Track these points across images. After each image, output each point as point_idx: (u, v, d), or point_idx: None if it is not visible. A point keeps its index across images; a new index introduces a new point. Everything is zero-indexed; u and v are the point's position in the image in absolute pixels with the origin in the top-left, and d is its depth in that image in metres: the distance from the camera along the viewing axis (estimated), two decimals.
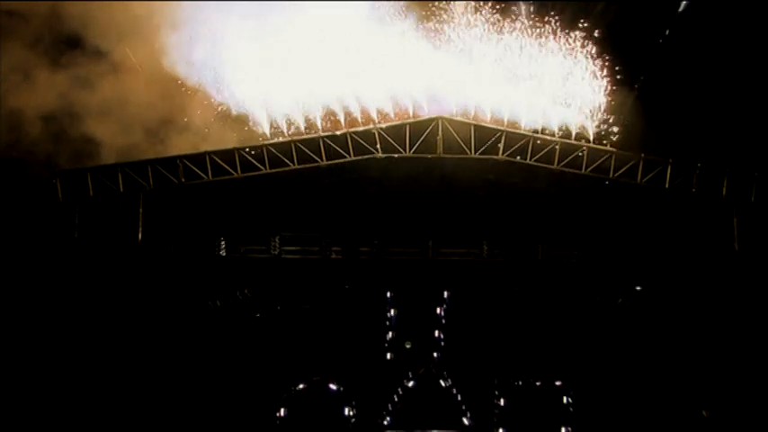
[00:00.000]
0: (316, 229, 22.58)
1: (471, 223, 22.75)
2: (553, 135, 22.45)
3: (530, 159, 22.32)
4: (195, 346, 21.44)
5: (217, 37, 21.92)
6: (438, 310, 22.65)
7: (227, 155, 21.90)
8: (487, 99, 22.47)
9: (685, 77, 22.70)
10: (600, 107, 22.60)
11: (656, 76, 22.74)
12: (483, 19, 22.45)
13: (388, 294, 22.68)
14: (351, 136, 22.08)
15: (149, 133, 22.28)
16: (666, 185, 22.43)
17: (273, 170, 21.98)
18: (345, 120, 22.35)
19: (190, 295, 21.76)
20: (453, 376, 22.24)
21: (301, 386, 21.88)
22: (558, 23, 22.53)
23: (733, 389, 21.57)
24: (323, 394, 21.87)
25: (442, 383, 22.23)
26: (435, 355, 22.41)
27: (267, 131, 22.27)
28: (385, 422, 21.97)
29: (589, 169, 22.43)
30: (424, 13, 22.45)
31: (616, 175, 22.43)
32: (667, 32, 22.76)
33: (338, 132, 22.10)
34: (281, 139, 22.14)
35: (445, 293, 22.73)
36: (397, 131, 22.26)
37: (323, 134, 22.12)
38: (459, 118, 22.40)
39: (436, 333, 22.54)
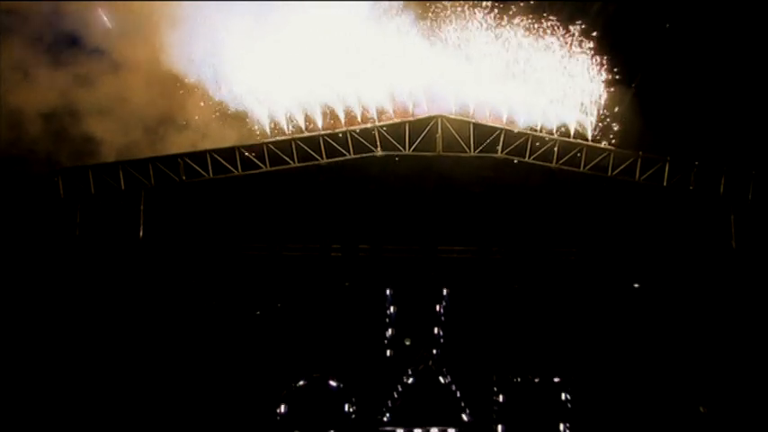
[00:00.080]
0: (316, 226, 22.63)
1: (470, 221, 22.82)
2: (551, 133, 22.60)
3: (528, 158, 22.49)
4: (196, 343, 21.49)
5: (217, 35, 21.98)
6: (437, 308, 22.65)
7: (228, 153, 22.03)
8: (486, 98, 22.59)
9: (683, 75, 22.76)
10: (598, 106, 22.74)
11: (653, 74, 22.81)
12: (482, 18, 22.57)
13: (388, 292, 22.68)
14: (351, 134, 22.21)
15: (149, 131, 22.34)
16: (664, 183, 22.61)
17: (274, 168, 22.12)
18: (345, 118, 22.44)
19: (190, 292, 21.82)
20: (452, 373, 22.27)
21: (301, 383, 21.93)
22: (556, 22, 22.62)
23: (731, 385, 21.71)
24: (323, 391, 21.92)
25: (442, 380, 22.27)
26: (435, 351, 22.46)
27: (267, 129, 22.37)
28: (384, 418, 22.04)
29: (587, 167, 22.58)
30: (423, 12, 22.54)
31: (614, 173, 22.61)
32: (666, 29, 22.83)
33: (338, 130, 22.22)
34: (281, 137, 22.26)
35: (444, 291, 22.76)
36: (396, 130, 22.36)
37: (323, 132, 22.23)
38: (458, 116, 22.52)
39: (435, 330, 22.55)
